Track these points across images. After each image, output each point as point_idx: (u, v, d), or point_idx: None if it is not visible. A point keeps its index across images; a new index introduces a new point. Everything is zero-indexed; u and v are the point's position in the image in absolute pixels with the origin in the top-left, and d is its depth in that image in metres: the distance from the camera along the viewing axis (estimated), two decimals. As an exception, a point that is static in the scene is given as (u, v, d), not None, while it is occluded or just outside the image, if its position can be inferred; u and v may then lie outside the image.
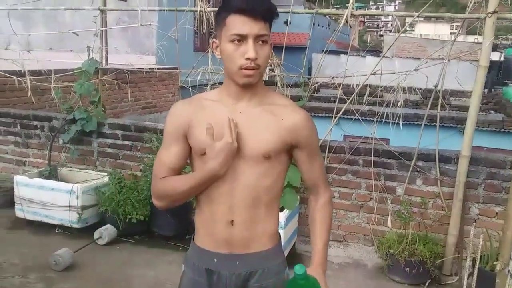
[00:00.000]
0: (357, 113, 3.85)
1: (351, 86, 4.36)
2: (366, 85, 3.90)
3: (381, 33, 55.89)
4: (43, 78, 4.86)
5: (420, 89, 5.10)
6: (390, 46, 3.51)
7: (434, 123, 3.92)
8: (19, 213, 4.31)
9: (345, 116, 4.24)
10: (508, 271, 2.50)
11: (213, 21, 1.53)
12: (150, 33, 9.32)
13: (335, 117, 3.96)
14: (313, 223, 1.60)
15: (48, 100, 5.72)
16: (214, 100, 1.52)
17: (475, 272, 2.68)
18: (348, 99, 3.96)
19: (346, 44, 20.47)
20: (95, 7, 4.57)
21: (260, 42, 1.41)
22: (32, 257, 3.72)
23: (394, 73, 3.59)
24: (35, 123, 4.87)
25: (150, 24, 4.18)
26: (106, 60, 5.09)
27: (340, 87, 3.85)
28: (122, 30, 8.82)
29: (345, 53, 15.22)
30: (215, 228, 1.50)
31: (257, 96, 1.50)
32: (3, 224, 4.33)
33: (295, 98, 4.52)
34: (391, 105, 3.79)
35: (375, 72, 3.64)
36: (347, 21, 3.69)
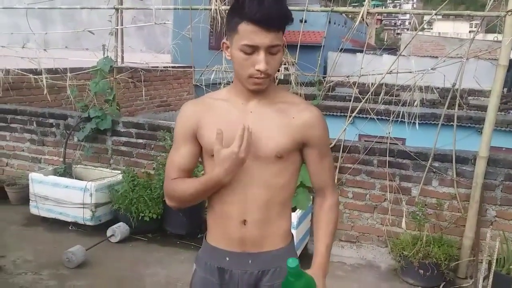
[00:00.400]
0: (372, 112, 3.79)
1: (367, 85, 4.31)
2: (382, 84, 3.84)
3: (398, 31, 55.30)
4: (59, 77, 4.91)
5: (438, 88, 4.99)
6: (407, 45, 3.47)
7: (452, 123, 3.85)
8: (33, 210, 4.36)
9: (361, 116, 4.19)
10: (526, 275, 2.43)
11: (226, 18, 1.46)
12: (166, 31, 9.36)
13: (350, 116, 3.91)
14: (317, 224, 1.57)
15: (64, 98, 5.77)
16: (224, 99, 1.50)
17: (491, 275, 2.61)
18: (363, 98, 3.91)
19: (363, 42, 20.27)
20: (111, 5, 4.59)
21: (273, 51, 1.37)
22: (46, 254, 3.75)
23: (410, 72, 3.53)
24: (51, 121, 4.92)
25: (164, 23, 4.18)
26: (122, 59, 5.13)
27: (356, 86, 3.80)
28: (138, 29, 8.85)
29: (361, 51, 15.10)
30: (228, 227, 1.49)
31: (268, 95, 1.48)
32: (19, 221, 4.38)
33: (310, 97, 4.48)
34: (407, 104, 3.73)
35: (391, 71, 3.58)
36: (363, 19, 3.64)
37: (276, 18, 1.33)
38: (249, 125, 1.40)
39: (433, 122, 8.51)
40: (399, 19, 67.63)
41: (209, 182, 1.43)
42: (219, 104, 1.50)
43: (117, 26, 4.51)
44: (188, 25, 4.43)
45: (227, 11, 4.18)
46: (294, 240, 1.64)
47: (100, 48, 4.73)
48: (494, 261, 2.75)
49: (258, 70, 1.36)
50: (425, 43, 20.81)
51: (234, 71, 1.46)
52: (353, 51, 15.93)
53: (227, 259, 1.51)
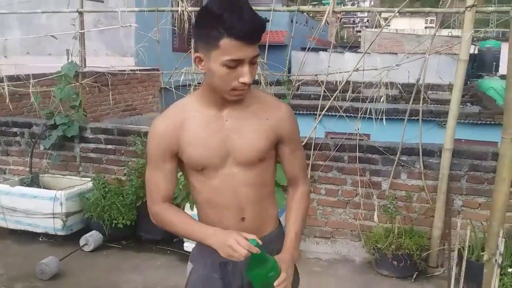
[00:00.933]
0: (341, 109, 3.87)
1: (333, 83, 4.39)
2: (349, 82, 3.93)
3: (358, 28, 56.40)
4: (21, 84, 4.76)
5: (399, 83, 5.19)
6: (372, 43, 3.59)
7: (413, 117, 3.97)
8: (1, 222, 4.21)
9: (327, 113, 4.26)
10: (496, 260, 2.55)
11: (194, 28, 1.42)
12: (128, 34, 9.21)
13: (320, 115, 3.97)
14: (289, 211, 1.66)
15: (26, 106, 5.61)
16: (196, 111, 1.50)
17: (464, 263, 2.72)
18: (330, 96, 3.98)
19: (324, 41, 20.58)
20: (72, 9, 4.49)
21: (253, 61, 1.39)
22: (17, 267, 3.65)
23: (376, 69, 3.62)
24: (15, 129, 4.76)
25: (130, 25, 4.13)
26: (85, 63, 5.01)
27: (324, 84, 3.87)
28: (100, 32, 8.68)
29: (324, 50, 15.34)
30: (225, 226, 1.52)
31: (240, 100, 1.49)
32: (-15, 234, 4.23)
33: (278, 96, 4.52)
34: (374, 100, 3.83)
35: (357, 69, 3.67)
36: (327, 22, 3.71)
37: (257, 31, 1.35)
38: (227, 133, 1.47)
39: (395, 117, 8.71)
40: (358, 17, 68.95)
41: (198, 236, 1.51)
42: (192, 117, 1.49)
43: (81, 30, 4.41)
44: (152, 26, 4.39)
45: (195, 13, 4.18)
46: (282, 224, 1.73)
47: (62, 53, 4.61)
48: (466, 249, 2.86)
49: (242, 83, 1.37)
50: (384, 39, 21.30)
51: (207, 81, 1.45)
52: (316, 49, 16.13)
53: None
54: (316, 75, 4.03)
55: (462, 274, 2.68)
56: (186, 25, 3.99)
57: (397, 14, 3.65)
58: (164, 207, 1.58)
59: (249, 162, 1.51)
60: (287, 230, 1.63)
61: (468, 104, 11.70)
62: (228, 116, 1.49)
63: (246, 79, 1.36)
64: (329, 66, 3.80)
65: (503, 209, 2.67)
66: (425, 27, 41.31)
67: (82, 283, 3.48)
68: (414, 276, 3.61)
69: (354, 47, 18.30)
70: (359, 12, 65.18)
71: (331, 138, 4.27)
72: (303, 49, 4.16)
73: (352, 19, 70.14)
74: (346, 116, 3.98)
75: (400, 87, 4.78)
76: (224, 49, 1.32)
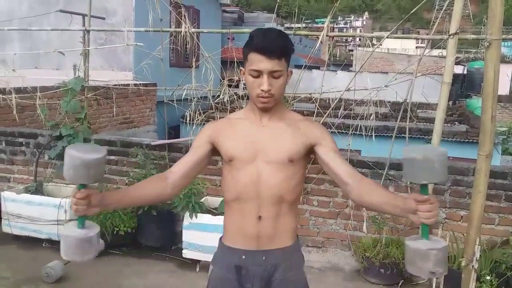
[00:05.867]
0: (333, 126, 4.12)
1: (325, 100, 4.65)
2: (342, 100, 4.19)
3: (350, 47, 57.26)
4: (27, 96, 4.96)
5: (389, 102, 5.46)
6: (363, 64, 3.81)
7: (403, 134, 4.22)
8: (6, 228, 4.38)
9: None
10: (472, 266, 2.78)
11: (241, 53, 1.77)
12: (127, 49, 9.46)
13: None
14: (375, 192, 1.60)
15: (28, 117, 5.81)
16: (241, 118, 1.80)
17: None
18: (323, 113, 4.23)
19: (317, 59, 20.98)
20: (76, 26, 4.73)
21: (275, 75, 1.66)
22: (23, 271, 3.81)
23: (366, 89, 3.88)
24: (20, 140, 4.96)
25: (136, 44, 4.37)
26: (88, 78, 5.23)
27: (317, 102, 4.12)
28: (99, 47, 8.93)
29: (317, 68, 15.62)
30: (244, 223, 1.72)
31: (277, 113, 1.77)
32: (-10, 240, 4.39)
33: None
34: (365, 118, 4.08)
35: (349, 88, 3.93)
36: (322, 42, 3.98)
37: (275, 49, 1.64)
38: (262, 135, 1.71)
39: (385, 134, 9.01)
40: (350, 36, 69.84)
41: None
42: (236, 121, 1.79)
43: (88, 47, 4.64)
44: (151, 43, 4.63)
45: (195, 33, 4.44)
46: (299, 239, 1.84)
47: (60, 67, 4.82)
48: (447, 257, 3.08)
49: (262, 90, 1.65)
50: (375, 59, 21.79)
51: (249, 95, 1.74)
52: (309, 67, 16.47)
53: (244, 257, 1.73)
54: (310, 93, 4.28)
55: (442, 281, 2.90)
56: (189, 45, 4.23)
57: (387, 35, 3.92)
58: (157, 175, 1.80)
59: (278, 161, 1.69)
60: (390, 198, 1.57)
61: (456, 123, 12.05)
62: (266, 123, 1.75)
63: (264, 87, 1.64)
64: (322, 86, 4.06)
65: (479, 218, 2.91)
66: (416, 47, 42.09)
67: (87, 286, 3.66)
68: (400, 284, 3.83)
69: (344, 65, 18.69)
70: (351, 31, 66.19)
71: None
72: (297, 66, 4.41)
73: (344, 37, 71.07)
74: (337, 132, 4.22)
75: (389, 106, 5.04)
76: (250, 61, 1.67)
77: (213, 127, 1.82)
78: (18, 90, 5.06)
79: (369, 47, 4.25)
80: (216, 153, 1.80)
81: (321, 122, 4.22)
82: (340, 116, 4.24)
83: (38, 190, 4.62)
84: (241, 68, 1.77)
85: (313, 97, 4.27)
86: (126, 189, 1.73)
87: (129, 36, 5.33)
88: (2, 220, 4.37)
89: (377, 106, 4.20)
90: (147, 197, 1.73)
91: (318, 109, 4.24)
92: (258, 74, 1.65)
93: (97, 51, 9.69)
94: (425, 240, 1.42)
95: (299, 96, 4.20)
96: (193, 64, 4.33)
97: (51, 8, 7.89)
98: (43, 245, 4.32)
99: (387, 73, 14.18)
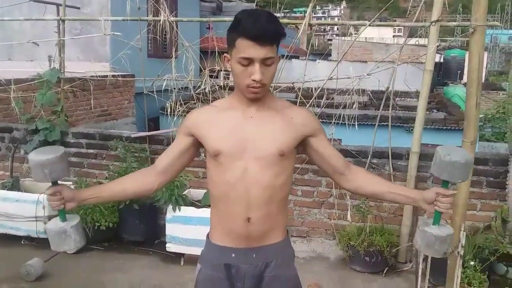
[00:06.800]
0: (316, 115, 4.09)
1: (306, 90, 4.62)
2: (324, 89, 4.16)
3: (328, 37, 57.41)
4: (0, 89, 4.80)
5: (369, 91, 5.49)
6: (345, 53, 3.78)
7: (383, 123, 4.22)
8: (-18, 226, 4.25)
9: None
10: (458, 252, 2.80)
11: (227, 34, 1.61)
12: (103, 40, 9.25)
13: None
14: (371, 181, 1.76)
15: (2, 111, 5.62)
16: (226, 108, 1.65)
17: (429, 257, 2.96)
18: (306, 103, 4.20)
19: (296, 48, 20.91)
20: (50, 16, 4.58)
21: (267, 63, 1.53)
22: (2, 270, 3.70)
23: (349, 78, 3.86)
24: (-5, 134, 4.80)
25: (113, 34, 4.25)
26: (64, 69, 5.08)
27: (300, 92, 4.09)
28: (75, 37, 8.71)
29: (296, 57, 15.58)
30: (233, 225, 1.63)
31: (265, 102, 1.64)
32: (-34, 238, 4.25)
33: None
34: (347, 107, 4.07)
35: (331, 77, 3.90)
36: (304, 30, 3.93)
37: (268, 35, 1.49)
38: (250, 128, 1.59)
39: (365, 123, 9.04)
40: (328, 25, 70.04)
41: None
42: (221, 111, 1.65)
43: (63, 37, 4.50)
44: (128, 33, 4.51)
45: (175, 22, 4.34)
46: (289, 233, 1.81)
47: (35, 58, 4.68)
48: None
49: (254, 80, 1.51)
50: (354, 48, 21.81)
51: (234, 83, 1.62)
52: (287, 57, 16.40)
53: (233, 255, 1.65)
54: (293, 83, 4.24)
55: (428, 267, 2.92)
56: (168, 35, 4.14)
57: (367, 22, 3.89)
58: (140, 170, 1.82)
59: (268, 156, 1.58)
60: (393, 188, 1.75)
61: (434, 110, 12.17)
62: (254, 114, 1.61)
63: (256, 76, 1.50)
64: (305, 75, 4.02)
65: (464, 205, 2.94)
66: (393, 36, 42.42)
67: (68, 283, 3.57)
68: (384, 271, 3.86)
69: (324, 54, 18.71)
70: (329, 20, 66.24)
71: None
72: (287, 57, 4.36)
73: (322, 27, 71.19)
74: (321, 122, 4.19)
75: (370, 94, 5.04)
76: (239, 48, 1.51)
77: (193, 118, 1.68)
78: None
79: (350, 35, 4.23)
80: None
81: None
82: (323, 105, 4.21)
83: (14, 186, 4.48)
84: (225, 54, 1.60)
85: (296, 87, 4.23)
86: (106, 184, 1.73)
87: (106, 25, 5.20)
88: (-22, 217, 4.23)
89: (360, 95, 4.19)
90: (128, 191, 1.73)
91: (300, 98, 4.21)
92: (248, 62, 1.50)
93: (73, 42, 9.45)
94: (441, 227, 1.63)
95: (280, 86, 4.14)
96: (173, 54, 4.24)
97: (23, -2, 7.65)
98: (22, 242, 4.20)
99: (366, 62, 14.23)
